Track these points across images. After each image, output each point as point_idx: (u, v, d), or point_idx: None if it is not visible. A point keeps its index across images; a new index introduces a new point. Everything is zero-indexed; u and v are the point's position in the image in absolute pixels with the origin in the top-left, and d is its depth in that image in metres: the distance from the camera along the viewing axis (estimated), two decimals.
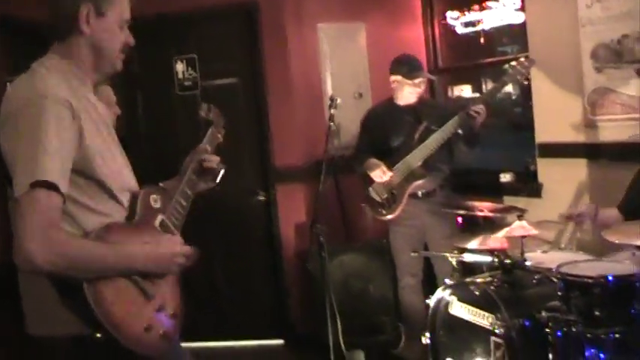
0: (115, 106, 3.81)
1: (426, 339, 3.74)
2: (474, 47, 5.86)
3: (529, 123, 5.04)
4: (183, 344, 2.53)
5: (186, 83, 5.64)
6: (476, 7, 5.69)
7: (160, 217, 2.33)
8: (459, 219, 4.72)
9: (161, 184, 2.54)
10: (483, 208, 3.98)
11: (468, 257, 3.87)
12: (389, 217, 4.75)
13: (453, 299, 3.58)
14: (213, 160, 2.67)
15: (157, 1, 5.15)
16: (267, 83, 5.51)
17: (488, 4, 5.61)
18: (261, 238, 5.71)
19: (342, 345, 4.24)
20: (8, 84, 2.17)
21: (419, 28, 6.08)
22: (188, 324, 2.42)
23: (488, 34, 5.71)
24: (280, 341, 5.69)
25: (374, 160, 4.73)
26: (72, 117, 2.02)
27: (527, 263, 3.58)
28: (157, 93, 5.72)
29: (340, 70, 5.73)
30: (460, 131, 4.51)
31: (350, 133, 5.20)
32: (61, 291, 2.02)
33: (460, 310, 3.53)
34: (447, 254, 4.00)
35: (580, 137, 4.63)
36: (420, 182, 4.65)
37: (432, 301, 3.72)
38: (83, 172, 2.07)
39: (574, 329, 2.96)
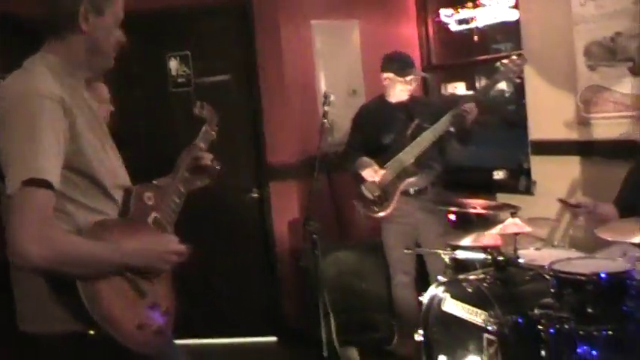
0: (109, 103, 3.80)
1: (419, 336, 3.74)
2: (468, 45, 5.87)
3: (522, 120, 5.05)
4: (177, 341, 2.54)
5: (180, 80, 5.63)
6: (469, 4, 5.70)
7: (153, 215, 2.34)
8: (452, 216, 4.72)
9: (155, 182, 2.55)
10: (476, 205, 3.99)
11: (461, 254, 3.87)
12: (381, 214, 4.75)
13: (446, 296, 3.59)
14: (207, 158, 2.67)
15: None
16: (260, 80, 5.51)
17: (482, 1, 5.63)
18: (254, 236, 5.71)
19: (336, 342, 4.24)
20: (0, 81, 2.16)
21: (413, 25, 6.09)
22: (181, 321, 2.42)
23: (482, 31, 5.72)
24: (273, 338, 5.69)
25: (365, 159, 4.74)
26: (64, 114, 2.02)
27: (520, 260, 3.59)
28: (151, 90, 5.71)
29: (334, 67, 5.73)
30: (452, 129, 4.51)
31: (343, 130, 5.20)
32: (54, 288, 2.02)
33: (453, 307, 3.53)
34: (440, 251, 4.01)
35: (573, 135, 4.64)
36: (412, 180, 4.65)
37: (425, 298, 3.72)
38: (76, 169, 2.07)
39: (566, 326, 2.97)
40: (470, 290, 3.47)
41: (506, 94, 7.28)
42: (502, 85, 6.35)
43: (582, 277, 2.98)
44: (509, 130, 6.71)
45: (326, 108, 4.32)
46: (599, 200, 3.98)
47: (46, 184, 1.93)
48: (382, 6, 5.94)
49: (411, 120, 4.68)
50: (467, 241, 3.81)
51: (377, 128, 4.80)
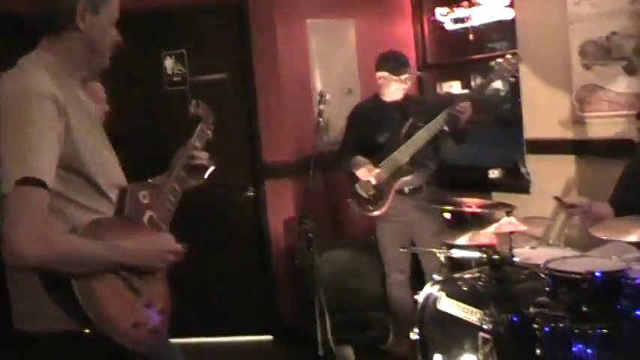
0: (104, 102, 3.80)
1: (414, 335, 3.74)
2: (463, 44, 5.87)
3: (518, 119, 5.06)
4: (172, 340, 2.54)
5: (176, 79, 5.62)
6: (465, 3, 5.71)
7: (148, 213, 2.33)
8: (447, 215, 4.73)
9: (150, 180, 2.54)
10: (472, 204, 3.99)
11: (456, 253, 3.88)
12: (376, 213, 4.76)
13: (442, 295, 3.59)
14: (202, 157, 2.67)
15: None
16: (256, 79, 5.51)
17: (478, 0, 5.63)
18: (250, 234, 5.71)
19: (331, 341, 4.24)
20: None
21: (408, 24, 6.09)
22: (177, 320, 2.42)
23: (477, 30, 5.73)
24: (269, 337, 5.69)
25: (360, 158, 4.74)
26: (59, 113, 2.02)
27: (516, 259, 3.59)
28: (146, 89, 5.70)
29: (329, 66, 5.73)
30: (446, 128, 4.52)
31: (339, 129, 5.20)
32: (49, 286, 2.02)
33: (448, 305, 3.53)
34: (436, 250, 4.01)
35: (568, 134, 4.65)
36: (407, 178, 4.66)
37: (420, 297, 3.72)
38: (71, 167, 2.07)
39: (561, 325, 2.97)
40: (465, 289, 3.47)
41: (502, 93, 7.30)
42: (497, 84, 6.36)
43: (577, 276, 2.98)
44: (504, 129, 6.73)
45: (321, 107, 4.32)
46: (594, 199, 3.99)
47: (40, 184, 1.93)
48: (378, 5, 5.95)
49: (405, 119, 4.68)
50: (462, 239, 3.81)
51: (372, 127, 4.80)
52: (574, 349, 2.94)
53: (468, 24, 5.73)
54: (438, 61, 6.19)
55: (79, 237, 2.03)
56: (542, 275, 3.20)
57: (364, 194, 4.76)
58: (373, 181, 4.67)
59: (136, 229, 2.25)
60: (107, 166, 2.23)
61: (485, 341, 3.25)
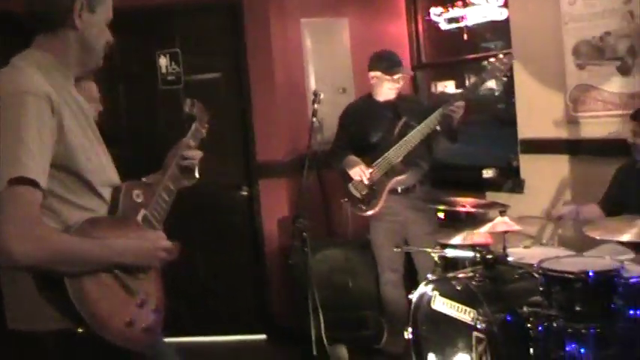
0: (98, 101, 3.79)
1: (408, 334, 3.75)
2: (458, 43, 5.87)
3: (512, 119, 5.06)
4: (166, 339, 2.53)
5: (170, 78, 5.61)
6: (459, 3, 5.71)
7: (142, 212, 2.33)
8: (441, 214, 4.73)
9: (144, 179, 2.54)
10: (466, 203, 3.99)
11: (450, 252, 3.88)
12: (369, 213, 4.75)
13: (436, 294, 3.59)
14: (196, 156, 2.66)
15: None
16: (250, 78, 5.50)
17: (472, 0, 5.63)
18: (243, 233, 5.71)
19: (325, 340, 4.25)
20: None
21: (402, 23, 6.09)
22: (171, 318, 2.42)
23: (471, 30, 5.73)
24: (263, 336, 5.69)
25: (353, 157, 4.74)
26: (52, 112, 2.01)
27: (509, 259, 3.60)
28: (140, 87, 5.69)
29: (324, 66, 5.73)
30: (439, 128, 4.52)
31: (333, 129, 5.19)
32: (42, 286, 2.01)
33: (442, 305, 3.54)
34: (430, 249, 4.01)
35: (562, 133, 4.66)
36: (400, 178, 4.65)
37: (414, 296, 3.73)
38: (65, 167, 2.07)
39: (555, 324, 2.98)
40: (459, 288, 3.47)
41: (496, 93, 7.32)
42: (492, 84, 6.38)
43: (571, 276, 3.00)
44: (498, 129, 6.74)
45: (316, 106, 4.32)
46: (587, 199, 4.02)
47: (33, 183, 1.92)
48: (372, 4, 5.95)
49: (398, 118, 4.68)
50: (456, 239, 3.82)
51: (364, 127, 4.80)
52: (567, 348, 2.95)
53: (462, 24, 5.73)
54: (433, 60, 6.19)
55: (71, 236, 2.03)
56: (536, 275, 3.21)
57: (357, 194, 4.76)
58: (366, 181, 4.67)
59: (130, 228, 2.24)
60: (100, 165, 2.22)
61: (478, 340, 3.25)
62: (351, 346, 4.89)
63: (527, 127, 4.90)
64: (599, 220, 3.68)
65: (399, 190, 4.74)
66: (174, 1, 5.43)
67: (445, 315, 3.51)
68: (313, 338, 4.10)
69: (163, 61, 5.61)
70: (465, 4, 5.66)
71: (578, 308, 2.99)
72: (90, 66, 2.30)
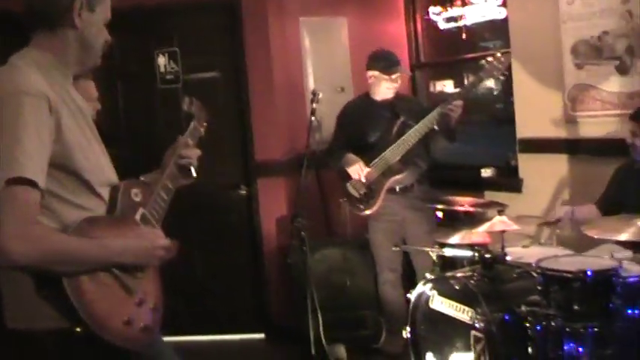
0: (96, 101, 3.78)
1: (406, 333, 3.75)
2: (456, 43, 5.87)
3: (510, 118, 5.06)
4: (164, 338, 2.53)
5: (168, 77, 5.61)
6: (458, 2, 5.71)
7: (140, 211, 2.33)
8: (439, 214, 4.73)
9: (142, 178, 2.53)
10: (464, 202, 3.99)
11: (448, 252, 3.88)
12: (367, 212, 4.75)
13: (434, 294, 3.59)
14: (194, 154, 2.66)
15: None
16: (248, 77, 5.50)
17: None
18: (242, 233, 5.71)
19: (323, 339, 4.25)
20: None
21: (401, 23, 6.09)
22: (169, 318, 2.42)
23: (470, 29, 5.73)
24: (261, 335, 5.69)
25: (351, 156, 4.74)
26: (50, 111, 2.01)
27: (508, 258, 3.60)
28: (139, 87, 5.69)
29: (322, 65, 5.73)
30: (437, 127, 4.52)
31: (332, 128, 5.19)
32: (40, 285, 2.01)
33: (441, 304, 3.54)
34: (428, 249, 4.01)
35: (560, 133, 4.66)
36: (398, 177, 4.65)
37: (412, 296, 3.72)
38: (63, 166, 2.06)
39: (553, 323, 2.98)
40: (457, 288, 3.47)
41: (494, 92, 7.30)
42: (490, 83, 6.37)
43: (569, 275, 3.00)
44: (497, 128, 6.74)
45: (314, 105, 4.33)
46: (585, 198, 4.02)
47: (31, 183, 1.92)
48: (371, 3, 5.95)
49: (396, 118, 4.68)
50: (454, 238, 3.82)
51: (362, 126, 4.80)
52: (566, 347, 2.95)
53: (461, 23, 5.73)
54: (431, 59, 6.20)
55: (69, 236, 2.03)
56: (534, 274, 3.21)
57: (355, 193, 4.76)
58: (364, 180, 4.67)
59: (128, 227, 2.24)
60: (98, 164, 2.22)
61: (477, 340, 3.25)
62: (350, 345, 4.89)
63: (526, 127, 4.90)
64: (597, 220, 3.68)
65: (397, 190, 4.74)
66: (173, 1, 5.43)
67: (443, 314, 3.51)
68: (312, 338, 4.10)
69: (162, 60, 5.61)
70: (464, 4, 5.66)
71: (576, 307, 2.99)
72: (88, 65, 2.29)
